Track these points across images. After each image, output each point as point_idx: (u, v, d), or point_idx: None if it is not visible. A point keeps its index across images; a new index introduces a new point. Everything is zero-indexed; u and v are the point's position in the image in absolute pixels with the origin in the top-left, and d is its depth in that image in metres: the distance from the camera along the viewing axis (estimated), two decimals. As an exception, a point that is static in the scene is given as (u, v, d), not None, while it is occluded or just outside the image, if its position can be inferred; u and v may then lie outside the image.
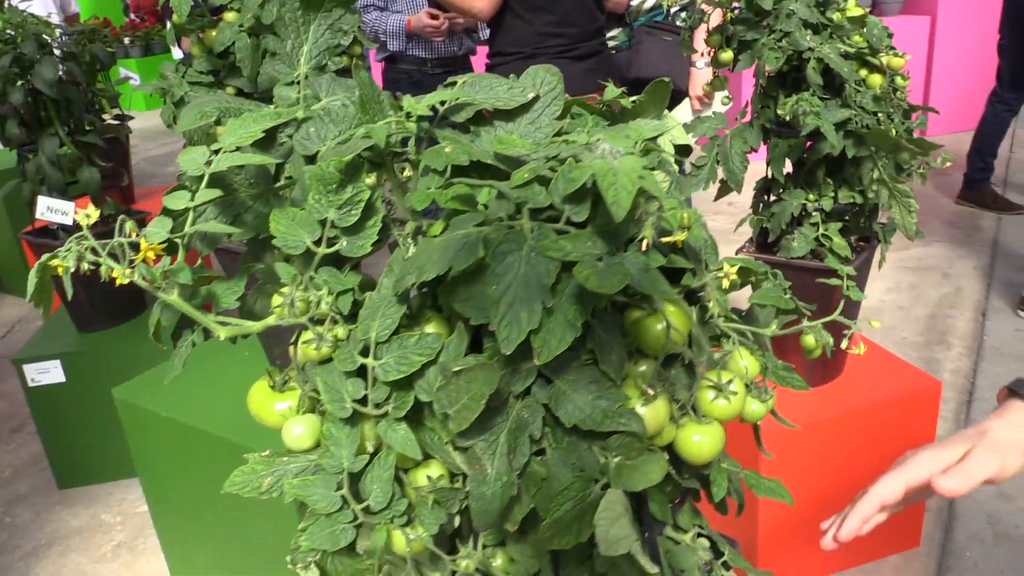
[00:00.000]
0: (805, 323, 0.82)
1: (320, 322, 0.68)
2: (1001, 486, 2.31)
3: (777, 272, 0.84)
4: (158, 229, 0.65)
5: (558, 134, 0.75)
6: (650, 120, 0.73)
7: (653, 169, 0.69)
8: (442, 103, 0.73)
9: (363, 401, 0.66)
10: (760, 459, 1.71)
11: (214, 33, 1.61)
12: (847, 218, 1.83)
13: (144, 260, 0.62)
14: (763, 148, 1.80)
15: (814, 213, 1.79)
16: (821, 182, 1.77)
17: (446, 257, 0.59)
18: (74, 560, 2.36)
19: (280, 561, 1.80)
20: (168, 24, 1.71)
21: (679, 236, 0.63)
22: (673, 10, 3.18)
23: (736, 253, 1.92)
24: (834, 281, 0.86)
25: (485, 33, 3.62)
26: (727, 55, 1.77)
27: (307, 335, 0.68)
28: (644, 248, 0.61)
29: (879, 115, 1.67)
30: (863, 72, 1.69)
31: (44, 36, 2.31)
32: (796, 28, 1.66)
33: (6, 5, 2.43)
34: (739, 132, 1.76)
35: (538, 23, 2.43)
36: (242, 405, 1.99)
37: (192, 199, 0.66)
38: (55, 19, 3.82)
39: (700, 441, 0.71)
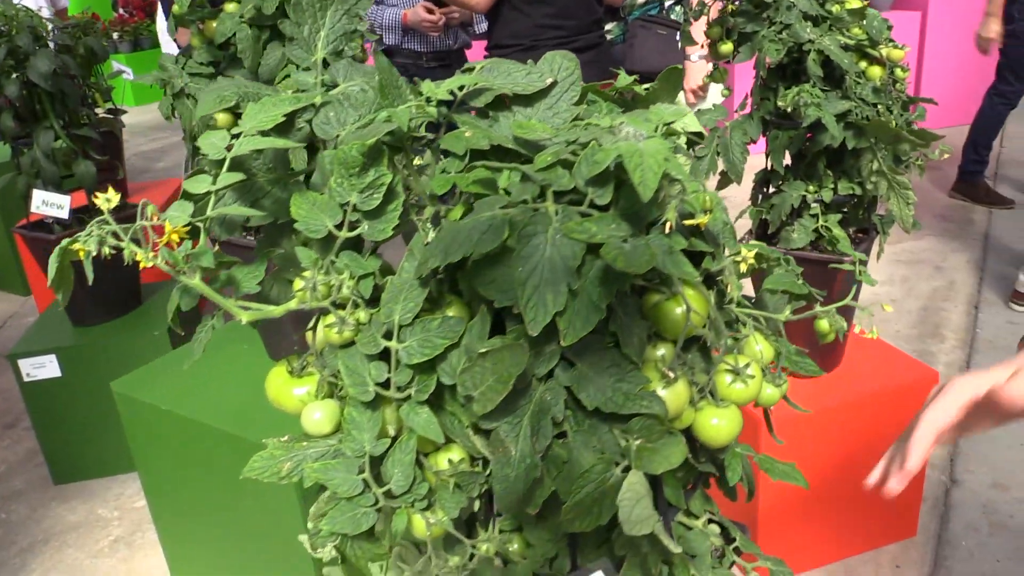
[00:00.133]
0: (818, 308, 0.83)
1: (342, 306, 0.68)
2: (996, 476, 2.33)
3: (789, 258, 0.84)
4: (179, 213, 0.65)
5: (575, 120, 0.75)
6: (669, 105, 0.73)
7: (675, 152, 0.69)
8: (460, 88, 0.73)
9: (385, 385, 0.66)
10: (761, 445, 1.72)
11: (214, 24, 1.60)
12: (846, 210, 1.84)
13: (167, 244, 0.62)
14: (762, 140, 1.81)
15: (814, 205, 1.80)
16: (821, 174, 1.78)
17: (471, 239, 0.59)
18: (71, 555, 2.35)
19: (279, 554, 1.80)
20: (159, 18, 1.71)
21: (702, 219, 0.63)
22: (668, 3, 3.19)
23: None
24: (846, 266, 0.87)
25: (480, 27, 3.62)
26: (727, 47, 1.78)
27: (328, 319, 0.68)
28: (667, 231, 0.61)
29: (879, 106, 1.68)
30: (863, 64, 1.70)
31: (39, 29, 2.29)
32: (796, 20, 1.67)
33: (-1, -1, 2.41)
34: (739, 124, 1.77)
35: (536, 15, 2.43)
36: (242, 398, 1.97)
37: (213, 183, 0.66)
38: (45, 13, 3.79)
39: (719, 424, 0.71)
